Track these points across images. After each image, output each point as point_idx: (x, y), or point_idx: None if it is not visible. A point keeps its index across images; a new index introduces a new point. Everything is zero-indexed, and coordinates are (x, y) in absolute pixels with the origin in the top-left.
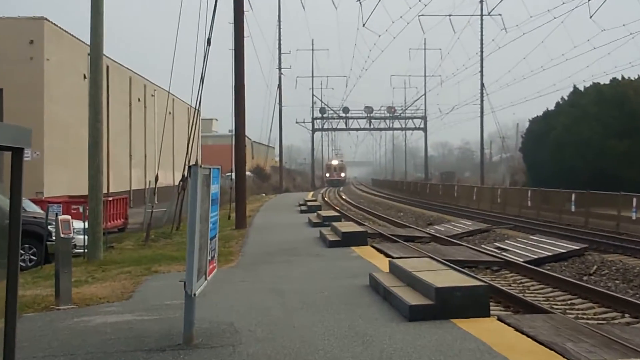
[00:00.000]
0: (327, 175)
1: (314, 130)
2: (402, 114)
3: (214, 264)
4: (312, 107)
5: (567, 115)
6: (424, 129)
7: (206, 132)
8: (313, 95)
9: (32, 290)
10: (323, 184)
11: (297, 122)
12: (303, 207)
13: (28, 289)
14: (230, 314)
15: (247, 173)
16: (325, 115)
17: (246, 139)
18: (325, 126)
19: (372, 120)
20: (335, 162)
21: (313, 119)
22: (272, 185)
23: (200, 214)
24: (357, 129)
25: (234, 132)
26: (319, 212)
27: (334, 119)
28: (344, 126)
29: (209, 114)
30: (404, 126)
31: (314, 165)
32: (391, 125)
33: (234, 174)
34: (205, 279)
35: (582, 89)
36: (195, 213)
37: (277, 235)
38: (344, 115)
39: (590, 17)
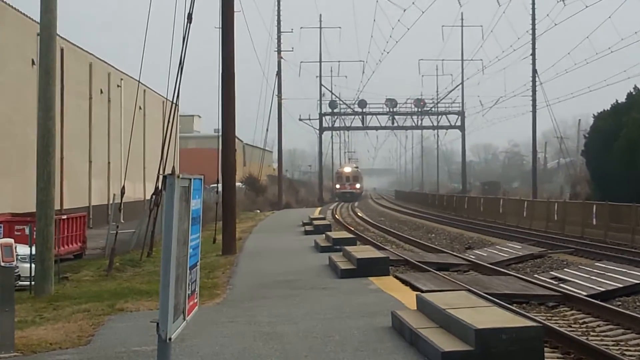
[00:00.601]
0: (338, 186)
1: (322, 130)
2: (433, 109)
3: (195, 300)
4: (320, 99)
5: None
6: (461, 128)
7: (186, 132)
8: (321, 84)
9: None
10: (334, 198)
11: (301, 119)
12: (308, 227)
13: None
14: None
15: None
16: (336, 111)
17: (236, 140)
18: (337, 124)
19: (396, 117)
20: (348, 170)
21: (321, 115)
22: (269, 199)
23: (177, 237)
24: (376, 128)
25: (220, 132)
26: (328, 233)
27: (348, 115)
28: (359, 124)
29: (190, 110)
30: (435, 124)
31: (322, 173)
32: (420, 122)
33: (220, 186)
34: (184, 319)
35: None
36: (172, 235)
37: (275, 263)
38: (360, 110)
39: None
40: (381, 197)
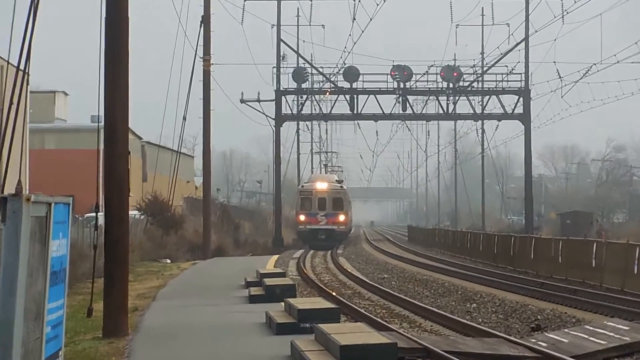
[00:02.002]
0: (303, 218)
1: (280, 119)
2: (472, 85)
3: None
4: (278, 65)
5: None
6: (525, 117)
7: (43, 120)
8: (280, 39)
9: None
10: (299, 240)
11: (244, 102)
12: (255, 290)
13: None
14: None
15: (133, 213)
16: (305, 88)
17: (131, 137)
18: (307, 110)
19: (410, 98)
20: (323, 186)
21: (279, 93)
22: (189, 239)
23: (25, 305)
24: (376, 117)
25: (104, 122)
26: (290, 301)
27: (326, 93)
28: (347, 110)
29: (50, 84)
30: (480, 111)
31: (281, 195)
32: (452, 109)
33: (102, 216)
34: None
35: None
36: (14, 303)
37: (199, 353)
38: (346, 85)
39: None
40: (383, 238)
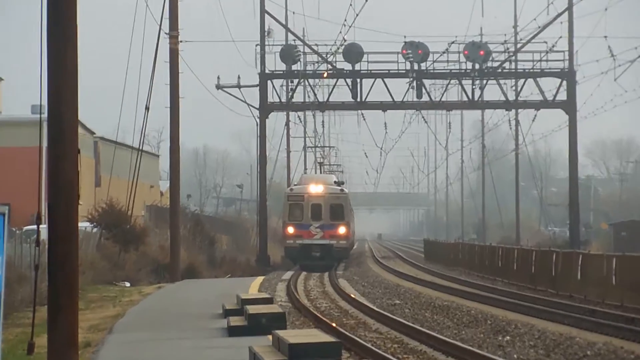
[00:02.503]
0: (292, 230)
1: (265, 109)
2: (504, 66)
3: None
4: (262, 42)
5: None
6: (569, 105)
7: None
8: (264, 10)
9: None
10: (289, 260)
11: (220, 87)
12: (236, 320)
13: None
14: None
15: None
16: (296, 70)
17: (81, 132)
18: (298, 99)
19: (427, 82)
20: (318, 190)
21: (263, 76)
22: (153, 257)
23: None
24: (384, 106)
25: (47, 113)
26: (279, 333)
27: (321, 76)
28: (349, 98)
29: None
30: (512, 98)
31: (266, 202)
32: (479, 96)
33: (44, 228)
34: None
35: None
36: None
37: None
38: (348, 66)
39: None
40: (394, 255)
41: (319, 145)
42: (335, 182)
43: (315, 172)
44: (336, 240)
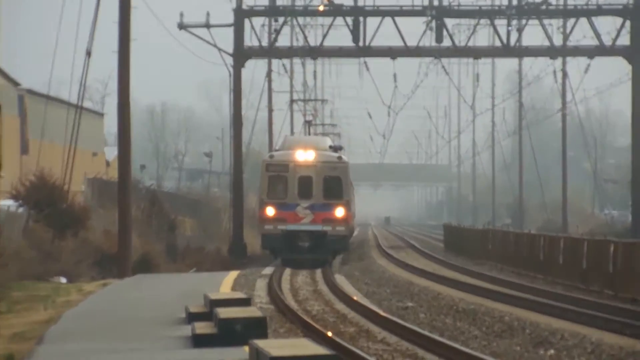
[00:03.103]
0: (272, 212)
1: (241, 55)
2: (548, 1)
3: None
4: None
5: None
6: (632, 53)
7: None
8: None
9: None
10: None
11: (184, 27)
12: (201, 327)
13: None
14: None
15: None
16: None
17: (1, 81)
18: (284, 43)
19: (448, 23)
20: (308, 157)
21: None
22: (97, 245)
23: None
24: (394, 53)
25: None
26: (258, 343)
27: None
28: (348, 41)
29: None
30: (558, 42)
31: (242, 175)
32: (516, 39)
33: None
34: None
35: None
36: None
37: None
38: (349, 1)
39: None
40: (405, 244)
41: (309, 99)
42: (330, 146)
43: (304, 132)
44: (332, 225)
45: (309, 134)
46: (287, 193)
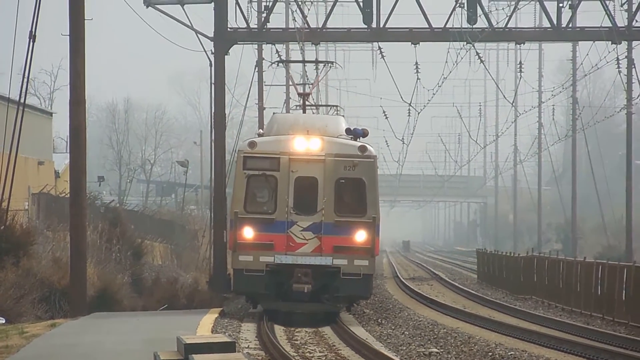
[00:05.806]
0: (249, 235)
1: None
2: None
3: None
4: None
5: None
6: None
7: None
8: None
9: None
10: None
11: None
12: None
13: None
14: None
15: None
16: None
17: None
18: (277, 24)
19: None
20: (306, 146)
21: None
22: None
23: None
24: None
25: None
26: None
27: None
28: (358, 22)
29: None
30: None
31: (224, 189)
32: (566, 19)
33: None
34: None
35: None
36: None
37: None
38: None
39: None
40: (429, 275)
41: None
42: (347, 130)
43: (300, 107)
44: (348, 258)
45: (304, 111)
46: (276, 204)
